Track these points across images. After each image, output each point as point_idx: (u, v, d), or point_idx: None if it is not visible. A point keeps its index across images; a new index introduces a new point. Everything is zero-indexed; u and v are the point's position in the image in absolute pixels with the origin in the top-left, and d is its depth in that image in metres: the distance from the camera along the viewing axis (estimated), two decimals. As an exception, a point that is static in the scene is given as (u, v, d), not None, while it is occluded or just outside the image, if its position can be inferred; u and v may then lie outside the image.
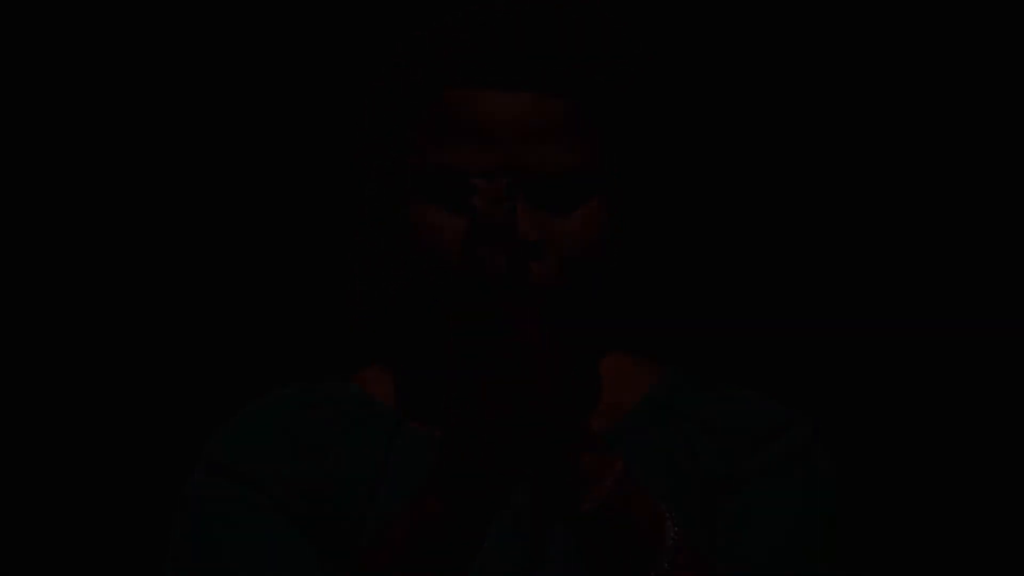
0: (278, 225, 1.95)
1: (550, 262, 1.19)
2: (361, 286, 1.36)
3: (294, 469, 1.24)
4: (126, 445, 2.01)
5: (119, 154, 1.97)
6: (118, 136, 1.96)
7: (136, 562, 1.48)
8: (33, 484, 1.98)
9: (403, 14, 1.33)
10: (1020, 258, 4.56)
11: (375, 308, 1.36)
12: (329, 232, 1.40)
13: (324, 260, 1.41)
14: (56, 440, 1.98)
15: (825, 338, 5.04)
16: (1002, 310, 4.69)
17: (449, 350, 1.21)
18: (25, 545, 1.99)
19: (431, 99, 1.25)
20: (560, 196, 1.23)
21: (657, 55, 1.32)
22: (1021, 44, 4.54)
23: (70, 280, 1.99)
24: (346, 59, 1.38)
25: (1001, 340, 4.80)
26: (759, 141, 1.92)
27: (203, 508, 1.24)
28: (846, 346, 5.16)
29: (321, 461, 1.26)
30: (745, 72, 1.85)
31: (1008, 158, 3.79)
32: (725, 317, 4.90)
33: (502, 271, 1.03)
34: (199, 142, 1.96)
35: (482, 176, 1.21)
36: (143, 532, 1.43)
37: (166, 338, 1.98)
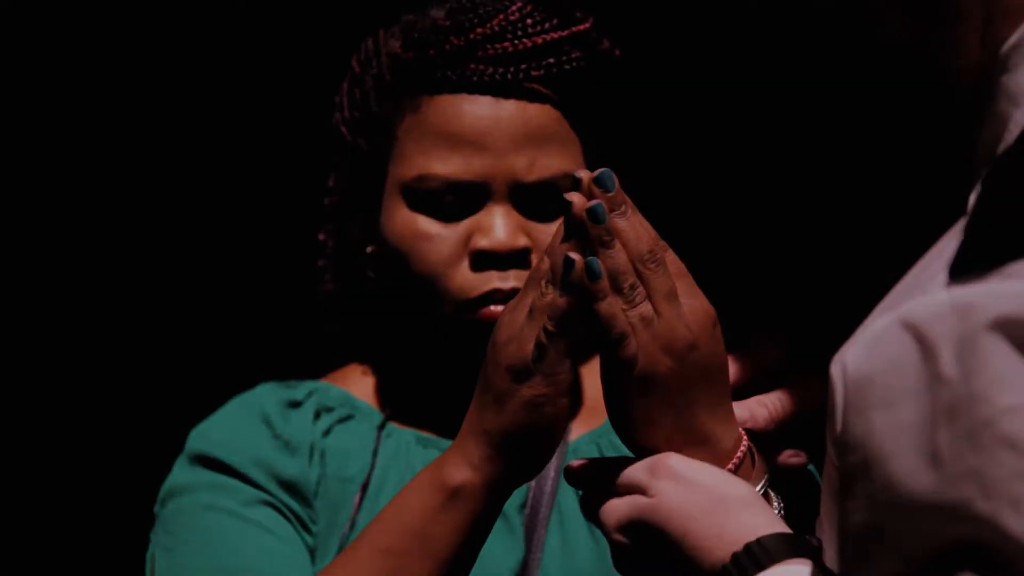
0: (258, 227, 1.96)
1: None
2: (341, 290, 1.36)
3: (277, 462, 1.23)
4: (107, 444, 2.01)
5: (106, 155, 1.98)
6: (101, 137, 1.97)
7: (121, 558, 1.46)
8: (22, 482, 1.98)
9: (389, 18, 1.33)
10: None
11: (354, 312, 1.36)
12: (310, 234, 1.39)
13: (304, 262, 1.41)
14: (46, 439, 1.98)
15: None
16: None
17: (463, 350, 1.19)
18: (18, 545, 1.99)
19: (413, 108, 1.25)
20: (545, 202, 1.23)
21: (635, 61, 1.33)
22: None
23: (62, 280, 1.99)
24: (331, 63, 1.39)
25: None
26: (744, 141, 1.93)
27: (186, 498, 1.22)
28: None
29: (306, 456, 1.26)
30: (727, 76, 1.86)
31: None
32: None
33: (595, 272, 0.92)
34: (186, 144, 1.97)
35: (464, 183, 1.21)
36: (125, 529, 1.43)
37: (150, 337, 1.98)
